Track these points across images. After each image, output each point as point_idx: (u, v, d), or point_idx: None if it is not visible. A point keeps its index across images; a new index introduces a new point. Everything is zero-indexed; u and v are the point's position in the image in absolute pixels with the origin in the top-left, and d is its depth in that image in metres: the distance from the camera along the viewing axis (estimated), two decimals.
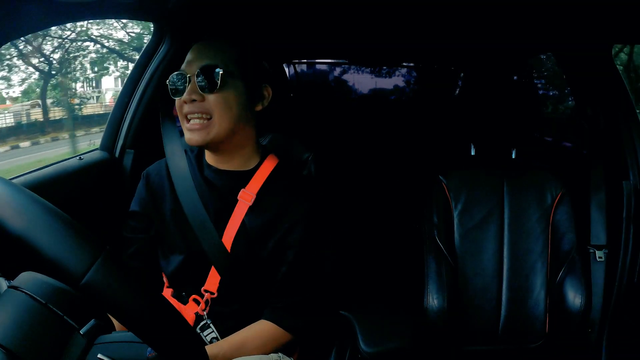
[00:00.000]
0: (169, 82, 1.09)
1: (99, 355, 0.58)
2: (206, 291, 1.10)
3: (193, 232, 1.09)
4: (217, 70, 1.04)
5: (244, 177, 1.13)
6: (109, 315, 0.65)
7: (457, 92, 3.21)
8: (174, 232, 1.13)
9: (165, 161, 1.18)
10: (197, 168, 1.16)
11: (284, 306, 1.09)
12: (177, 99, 1.08)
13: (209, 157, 1.16)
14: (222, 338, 1.08)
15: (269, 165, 1.15)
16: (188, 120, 1.07)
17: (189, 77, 1.06)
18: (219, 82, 1.04)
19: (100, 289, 0.52)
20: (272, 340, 1.08)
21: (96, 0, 1.08)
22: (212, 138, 1.06)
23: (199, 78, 1.04)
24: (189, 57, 1.10)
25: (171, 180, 1.14)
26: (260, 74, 1.14)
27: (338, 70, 3.78)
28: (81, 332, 0.58)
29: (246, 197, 1.10)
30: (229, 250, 1.08)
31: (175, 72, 1.08)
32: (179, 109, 1.08)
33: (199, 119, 1.05)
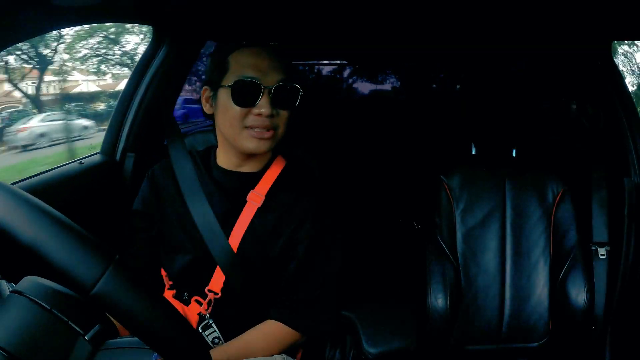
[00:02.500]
0: (236, 88, 1.03)
1: None
2: (210, 291, 1.10)
3: (199, 232, 1.09)
4: (298, 90, 1.05)
5: (252, 179, 1.13)
6: (114, 321, 0.65)
7: (457, 92, 3.21)
8: (179, 233, 1.13)
9: (170, 161, 1.18)
10: (205, 169, 1.16)
11: (291, 305, 1.09)
12: (240, 107, 1.04)
13: (221, 159, 1.16)
14: (224, 338, 1.08)
15: (277, 167, 1.16)
16: (251, 128, 1.05)
17: (264, 89, 1.03)
18: (297, 102, 1.05)
19: (110, 299, 0.53)
20: (279, 340, 1.07)
21: (95, 4, 1.08)
22: (273, 147, 1.08)
23: (277, 93, 1.03)
24: (257, 62, 1.05)
25: (176, 181, 1.14)
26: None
27: (338, 70, 3.79)
28: (86, 337, 0.58)
29: (255, 199, 1.10)
30: (236, 251, 1.08)
31: (247, 79, 1.03)
32: (241, 117, 1.04)
33: (268, 130, 1.05)
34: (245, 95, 1.03)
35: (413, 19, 1.70)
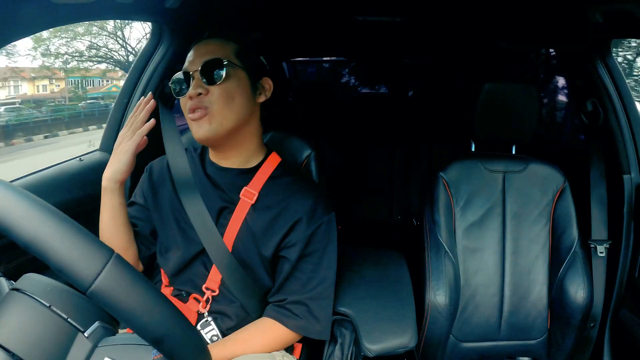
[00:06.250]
0: (172, 82, 1.09)
1: (105, 358, 0.59)
2: (207, 289, 1.10)
3: (194, 230, 1.09)
4: (221, 61, 1.05)
5: (246, 175, 1.13)
6: (113, 317, 0.65)
7: (457, 88, 3.21)
8: (174, 230, 1.13)
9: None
10: (200, 166, 1.16)
11: (287, 304, 1.09)
12: (182, 97, 1.08)
13: (212, 154, 1.17)
14: (223, 336, 1.08)
15: (271, 164, 1.15)
16: (190, 115, 1.07)
17: (192, 74, 1.06)
18: (223, 73, 1.05)
19: (108, 296, 0.53)
20: (276, 338, 1.07)
21: (94, 1, 1.07)
22: (216, 129, 1.06)
23: (202, 73, 1.05)
24: (190, 57, 1.10)
25: (172, 178, 1.14)
26: (260, 67, 1.14)
27: (337, 68, 3.77)
28: (85, 334, 0.58)
29: (249, 196, 1.10)
30: (231, 249, 1.08)
31: (178, 72, 1.08)
32: (184, 106, 1.08)
33: (197, 110, 1.06)
34: (177, 86, 1.09)
35: (412, 18, 1.70)
